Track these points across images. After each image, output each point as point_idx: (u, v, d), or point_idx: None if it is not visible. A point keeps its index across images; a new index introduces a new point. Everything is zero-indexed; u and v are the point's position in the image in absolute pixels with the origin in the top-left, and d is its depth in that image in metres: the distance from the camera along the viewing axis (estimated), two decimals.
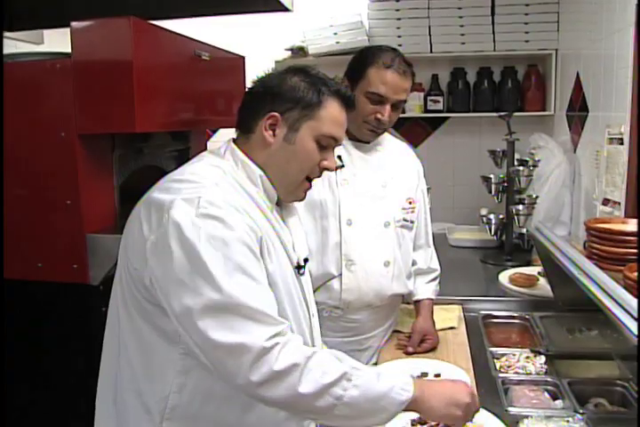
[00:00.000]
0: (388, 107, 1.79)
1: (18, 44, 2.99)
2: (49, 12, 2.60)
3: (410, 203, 1.92)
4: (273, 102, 1.27)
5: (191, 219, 1.10)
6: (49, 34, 3.17)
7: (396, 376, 1.19)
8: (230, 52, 2.40)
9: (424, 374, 1.68)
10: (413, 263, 2.00)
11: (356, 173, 1.85)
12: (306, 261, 1.36)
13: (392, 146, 2.00)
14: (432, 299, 2.01)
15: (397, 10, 3.48)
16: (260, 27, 3.67)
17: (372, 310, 1.88)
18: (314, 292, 1.82)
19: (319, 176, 1.36)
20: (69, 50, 1.75)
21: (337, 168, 1.82)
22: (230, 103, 2.40)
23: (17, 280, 1.81)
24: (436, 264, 2.07)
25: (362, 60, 1.84)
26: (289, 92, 1.28)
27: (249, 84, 1.37)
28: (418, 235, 2.00)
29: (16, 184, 1.80)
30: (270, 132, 1.27)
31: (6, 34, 2.85)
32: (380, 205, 1.86)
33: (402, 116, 3.60)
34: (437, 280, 2.06)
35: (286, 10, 2.60)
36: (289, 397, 1.08)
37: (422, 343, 1.89)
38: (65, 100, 1.73)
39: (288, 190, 1.33)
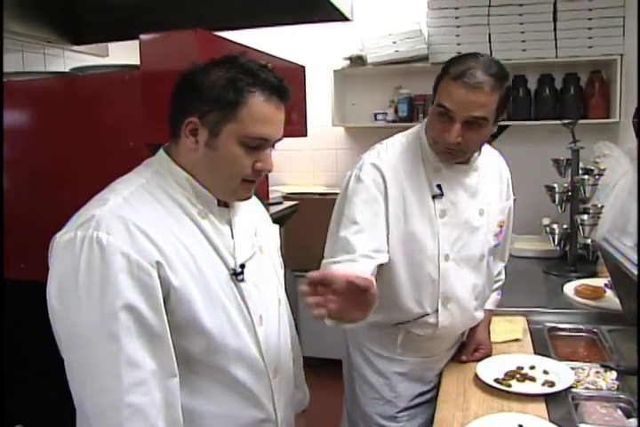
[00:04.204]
0: (457, 125, 1.53)
1: (84, 56, 3.09)
2: (116, 25, 2.69)
3: (500, 226, 1.81)
4: (191, 104, 1.16)
5: (74, 243, 1.06)
6: (112, 46, 3.26)
7: None
8: (291, 62, 2.42)
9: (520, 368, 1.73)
10: None
11: (454, 202, 1.70)
12: (242, 267, 1.22)
13: (489, 163, 1.81)
14: (492, 310, 1.96)
15: (457, 17, 3.46)
16: (319, 36, 3.70)
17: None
18: (407, 322, 1.76)
19: (258, 178, 1.23)
20: (133, 61, 1.79)
21: (434, 197, 1.68)
22: (290, 113, 2.41)
23: None
24: (503, 275, 2.01)
25: (442, 70, 1.61)
26: (206, 93, 1.15)
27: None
28: (495, 251, 1.88)
29: (86, 192, 1.85)
30: (192, 139, 1.17)
31: (74, 47, 2.96)
32: (476, 236, 1.73)
33: None
34: (500, 289, 2.00)
35: (346, 19, 2.61)
36: None
37: (475, 352, 1.86)
38: (133, 110, 1.77)
39: (225, 193, 1.24)
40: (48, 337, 1.11)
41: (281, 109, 1.20)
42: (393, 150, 1.73)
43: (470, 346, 1.88)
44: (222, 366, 1.18)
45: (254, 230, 1.34)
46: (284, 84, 1.19)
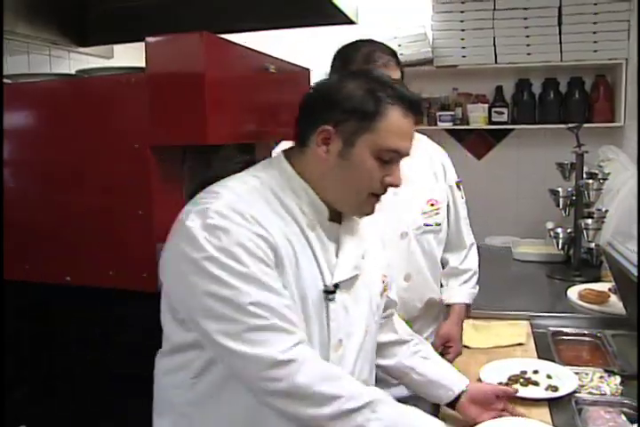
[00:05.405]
0: None
1: (89, 58, 3.09)
2: (121, 27, 2.70)
3: (432, 205, 1.80)
4: (327, 113, 1.16)
5: (198, 231, 1.09)
6: (117, 48, 3.26)
7: (423, 419, 1.15)
8: (296, 65, 2.42)
9: (523, 372, 1.71)
10: (445, 264, 1.89)
11: None
12: (336, 286, 1.19)
13: (415, 147, 1.87)
14: (467, 304, 1.88)
15: (462, 21, 3.46)
16: (324, 39, 3.69)
17: None
18: None
19: (384, 193, 1.23)
20: (137, 63, 1.80)
21: None
22: (295, 115, 2.41)
23: (89, 287, 1.85)
24: (470, 264, 1.92)
25: (337, 63, 1.79)
26: (344, 102, 1.15)
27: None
28: (448, 237, 1.88)
29: (91, 194, 1.85)
30: (324, 148, 1.17)
31: (79, 49, 2.96)
32: (392, 215, 1.72)
33: (465, 127, 3.61)
34: (473, 282, 1.91)
35: (351, 22, 2.61)
36: (308, 416, 1.06)
37: (445, 355, 1.78)
38: (139, 112, 1.76)
39: (349, 207, 1.24)
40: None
41: (414, 125, 1.20)
42: None
43: (437, 341, 1.81)
44: None
45: (362, 252, 1.30)
46: (420, 99, 1.21)
